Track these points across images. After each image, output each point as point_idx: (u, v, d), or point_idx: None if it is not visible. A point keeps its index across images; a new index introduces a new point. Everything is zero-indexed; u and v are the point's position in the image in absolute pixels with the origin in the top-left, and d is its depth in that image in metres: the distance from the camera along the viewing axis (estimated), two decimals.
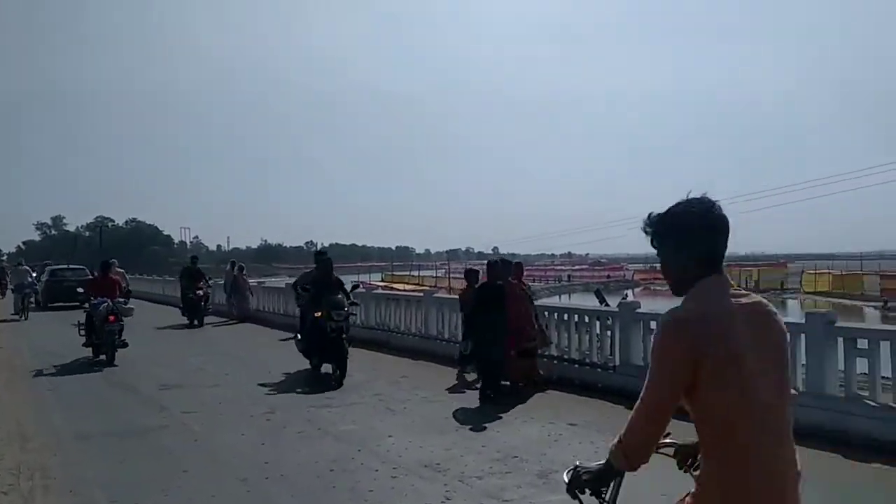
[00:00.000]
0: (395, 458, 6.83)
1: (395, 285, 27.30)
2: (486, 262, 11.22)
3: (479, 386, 9.87)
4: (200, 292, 21.25)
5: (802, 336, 7.68)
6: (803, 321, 7.80)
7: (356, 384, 10.71)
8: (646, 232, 2.29)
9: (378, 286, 27.96)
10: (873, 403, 7.00)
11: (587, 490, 2.43)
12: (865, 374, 7.29)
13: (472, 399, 9.52)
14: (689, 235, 2.19)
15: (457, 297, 13.34)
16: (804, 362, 7.67)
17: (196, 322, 20.70)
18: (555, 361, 10.82)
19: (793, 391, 6.56)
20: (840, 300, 50.01)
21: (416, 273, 47.11)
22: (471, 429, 7.94)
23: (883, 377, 7.16)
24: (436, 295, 15.10)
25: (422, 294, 15.48)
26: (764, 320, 2.17)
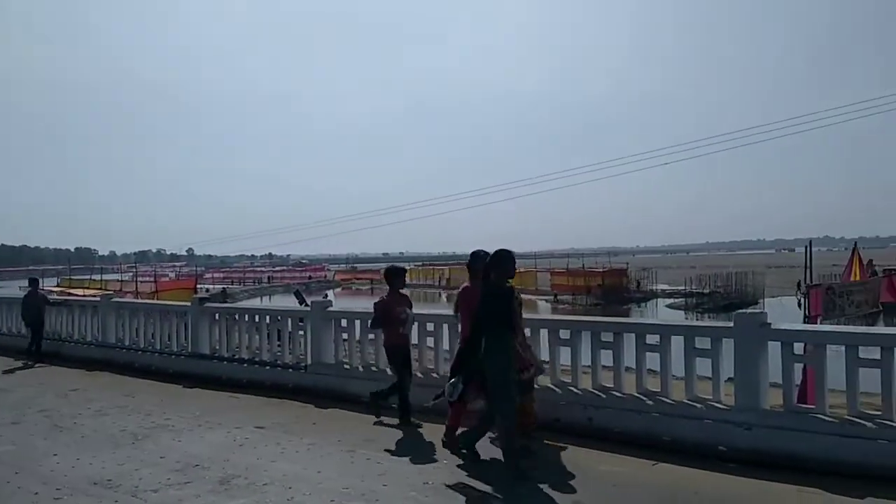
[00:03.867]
0: (60, 477, 6.18)
1: (73, 291, 24.85)
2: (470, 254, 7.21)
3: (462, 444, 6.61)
4: None
5: None
6: None
7: (17, 401, 9.55)
8: None
9: (53, 292, 25.30)
10: (535, 386, 7.73)
11: None
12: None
13: (145, 405, 8.92)
14: None
15: (140, 300, 12.42)
16: None
17: None
18: (245, 365, 10.55)
19: None
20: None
21: (98, 277, 43.25)
22: (150, 440, 7.43)
23: (542, 361, 7.91)
24: (115, 299, 13.98)
25: (99, 299, 14.23)
26: None
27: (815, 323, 10.54)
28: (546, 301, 50.93)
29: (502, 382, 5.93)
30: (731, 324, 6.68)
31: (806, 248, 13.39)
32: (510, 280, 6.34)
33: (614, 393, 7.20)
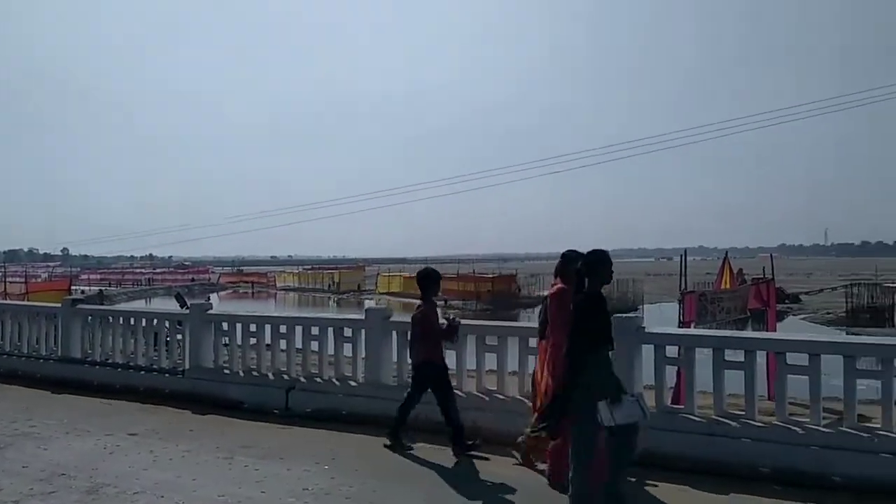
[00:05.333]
0: None
1: None
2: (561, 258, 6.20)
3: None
4: None
5: (363, 331, 8.24)
6: (363, 317, 8.37)
7: None
8: None
9: None
10: None
11: None
12: None
13: (9, 412, 8.37)
14: None
15: (7, 301, 11.66)
16: (364, 356, 8.24)
17: None
18: (118, 369, 10.09)
19: (352, 383, 6.85)
20: (410, 300, 55.39)
21: None
22: (12, 449, 6.98)
23: None
24: None
25: None
26: None
27: (689, 328, 11.03)
28: (437, 306, 51.11)
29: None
30: None
31: (681, 256, 14.00)
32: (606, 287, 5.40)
33: (498, 396, 7.31)
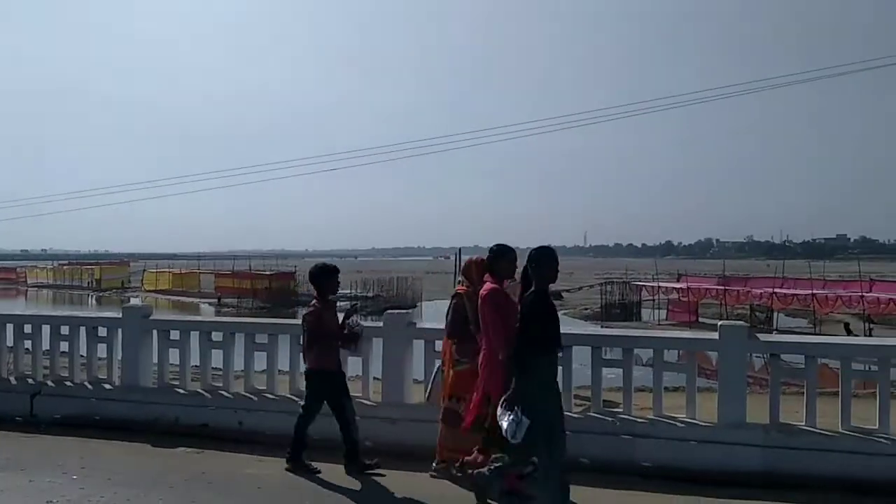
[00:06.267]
0: None
1: None
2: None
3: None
4: None
5: (119, 331, 7.70)
6: (120, 315, 7.82)
7: None
8: None
9: None
10: (183, 391, 7.39)
11: None
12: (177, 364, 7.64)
13: None
14: None
15: None
16: (120, 357, 7.71)
17: None
18: None
19: (107, 386, 6.29)
20: (179, 298, 52.81)
21: None
22: None
23: (193, 366, 7.58)
24: None
25: None
26: None
27: None
28: (210, 304, 49.20)
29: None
30: (381, 324, 6.95)
31: (456, 255, 14.51)
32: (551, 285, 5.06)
33: (267, 395, 7.12)
